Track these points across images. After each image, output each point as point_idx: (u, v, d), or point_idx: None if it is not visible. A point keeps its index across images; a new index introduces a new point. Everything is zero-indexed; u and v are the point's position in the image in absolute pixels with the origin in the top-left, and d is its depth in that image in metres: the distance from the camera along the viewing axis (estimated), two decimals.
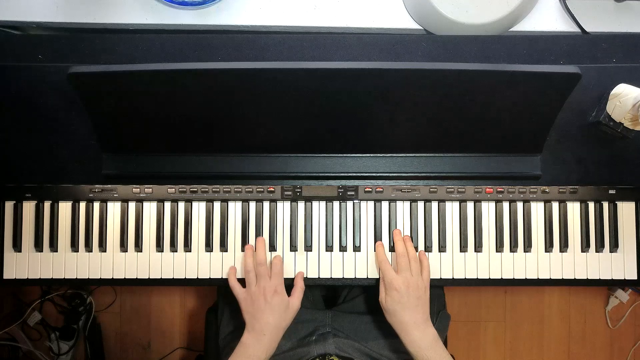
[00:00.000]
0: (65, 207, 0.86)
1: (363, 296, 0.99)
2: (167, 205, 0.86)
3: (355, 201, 0.86)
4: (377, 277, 0.85)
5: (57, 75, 0.81)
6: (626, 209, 0.87)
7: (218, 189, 0.85)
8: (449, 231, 0.86)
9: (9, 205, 0.86)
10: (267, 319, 0.77)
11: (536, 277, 0.86)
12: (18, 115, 0.83)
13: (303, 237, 0.86)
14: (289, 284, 0.84)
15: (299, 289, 0.82)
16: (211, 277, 0.85)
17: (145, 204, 0.86)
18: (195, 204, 0.86)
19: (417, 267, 0.82)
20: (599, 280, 0.86)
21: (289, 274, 0.85)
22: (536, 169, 0.84)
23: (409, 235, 0.86)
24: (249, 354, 0.76)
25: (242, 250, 0.85)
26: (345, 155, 0.83)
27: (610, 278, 0.86)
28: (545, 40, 0.85)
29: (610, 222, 0.86)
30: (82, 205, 0.86)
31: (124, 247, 0.86)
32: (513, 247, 0.86)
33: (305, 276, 0.85)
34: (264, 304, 0.78)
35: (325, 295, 1.10)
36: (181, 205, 0.86)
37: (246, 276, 0.81)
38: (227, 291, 0.98)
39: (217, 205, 0.86)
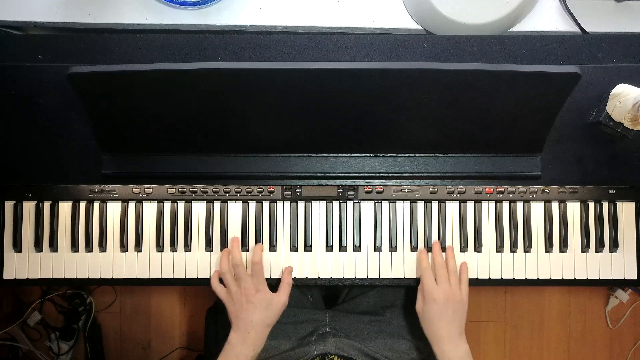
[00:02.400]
0: (65, 207, 0.86)
1: (363, 296, 0.99)
2: (167, 205, 0.86)
3: (355, 201, 0.86)
4: (377, 276, 0.85)
5: (57, 75, 0.81)
6: (626, 209, 0.87)
7: (218, 189, 0.85)
8: (448, 231, 0.86)
9: (9, 205, 0.86)
10: (251, 317, 0.78)
11: (536, 277, 0.86)
12: (18, 115, 0.83)
13: (303, 237, 0.86)
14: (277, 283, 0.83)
15: (285, 285, 0.82)
16: (211, 277, 0.85)
17: (145, 204, 0.86)
18: (195, 204, 0.86)
19: (456, 279, 0.81)
20: (599, 280, 0.86)
21: None
22: (536, 169, 0.84)
23: (438, 240, 0.85)
24: (236, 352, 0.77)
25: (242, 250, 0.85)
26: (345, 155, 0.83)
27: (610, 278, 0.86)
28: (545, 40, 0.85)
29: (610, 222, 0.86)
30: (82, 205, 0.86)
31: (124, 247, 0.86)
32: (513, 247, 0.86)
33: (305, 276, 0.85)
34: (246, 303, 0.78)
35: (325, 295, 1.10)
36: (181, 205, 0.86)
37: (223, 277, 0.81)
38: None
39: (217, 205, 0.86)
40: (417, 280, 0.85)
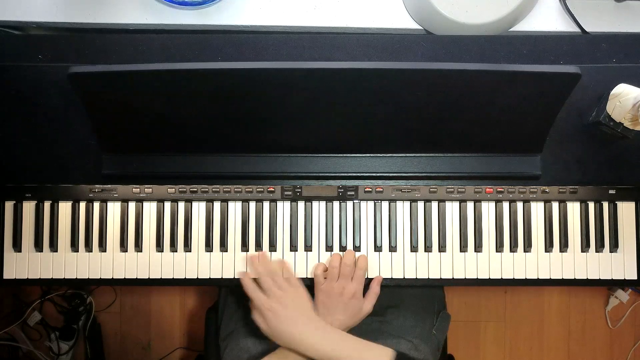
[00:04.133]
0: (65, 207, 0.86)
1: None
2: (167, 205, 0.86)
3: (355, 201, 0.86)
4: (377, 276, 0.85)
5: (57, 75, 0.81)
6: (626, 209, 0.87)
7: (218, 189, 0.85)
8: (449, 231, 0.86)
9: (9, 205, 0.86)
10: (338, 316, 0.79)
11: (536, 277, 0.86)
12: (18, 115, 0.83)
13: (303, 237, 0.86)
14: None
15: (372, 294, 0.83)
16: (211, 277, 0.85)
17: (145, 204, 0.86)
18: (195, 204, 0.86)
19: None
20: (599, 280, 0.86)
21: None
22: (536, 169, 0.84)
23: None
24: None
25: (242, 250, 0.86)
26: (345, 155, 0.83)
27: (610, 278, 0.86)
28: (545, 40, 0.85)
29: (610, 222, 0.86)
30: (82, 205, 0.86)
31: (124, 247, 0.86)
32: (513, 247, 0.86)
33: (305, 276, 0.85)
34: (339, 301, 0.80)
35: None
36: (181, 205, 0.86)
37: (330, 271, 0.82)
38: (227, 291, 0.98)
39: (217, 205, 0.86)
40: (418, 281, 0.85)
